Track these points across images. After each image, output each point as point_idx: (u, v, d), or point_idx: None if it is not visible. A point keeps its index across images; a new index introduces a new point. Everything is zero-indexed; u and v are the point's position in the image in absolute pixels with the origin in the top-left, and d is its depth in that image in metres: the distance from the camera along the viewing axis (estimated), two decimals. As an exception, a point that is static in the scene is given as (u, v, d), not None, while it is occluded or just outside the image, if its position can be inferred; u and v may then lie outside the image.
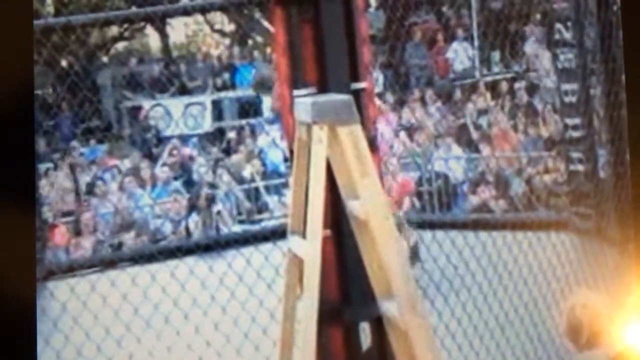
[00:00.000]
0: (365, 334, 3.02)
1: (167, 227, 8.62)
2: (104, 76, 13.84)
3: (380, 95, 10.64)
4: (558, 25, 6.20)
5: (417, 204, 8.73)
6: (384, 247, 2.73)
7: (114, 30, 15.25)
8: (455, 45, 12.27)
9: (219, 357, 3.89)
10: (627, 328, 2.82)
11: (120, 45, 16.81)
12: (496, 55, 12.09)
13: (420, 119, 10.21)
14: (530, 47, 11.13)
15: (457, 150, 9.54)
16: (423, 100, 11.15)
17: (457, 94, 11.35)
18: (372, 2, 13.13)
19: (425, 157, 9.25)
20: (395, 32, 9.28)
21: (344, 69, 3.03)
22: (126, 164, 10.80)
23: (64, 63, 13.36)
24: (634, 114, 2.31)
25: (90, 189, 10.04)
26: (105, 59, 15.69)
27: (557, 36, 6.24)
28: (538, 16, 10.72)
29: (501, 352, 4.18)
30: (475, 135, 9.79)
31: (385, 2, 10.28)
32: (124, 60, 14.75)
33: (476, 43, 12.18)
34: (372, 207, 2.71)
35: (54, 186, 9.76)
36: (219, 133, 12.63)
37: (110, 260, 6.11)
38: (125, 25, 14.64)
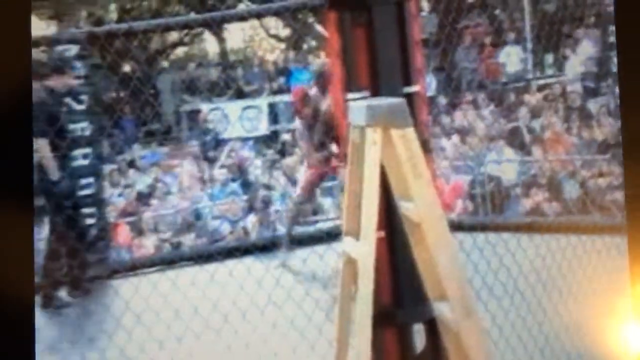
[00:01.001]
0: (420, 336, 3.06)
1: (225, 228, 8.78)
2: (164, 80, 14.13)
3: (433, 99, 10.65)
4: (612, 28, 6.15)
5: (470, 206, 8.73)
6: (437, 249, 2.77)
7: (173, 35, 15.53)
8: (507, 48, 12.21)
9: (276, 356, 3.96)
10: None
11: (180, 51, 17.10)
12: (549, 58, 11.99)
13: (472, 121, 10.19)
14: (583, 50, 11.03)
15: (509, 153, 9.51)
16: (475, 104, 11.13)
17: (510, 97, 11.30)
18: (425, 6, 13.13)
19: (477, 160, 9.24)
20: (448, 36, 9.28)
21: (396, 73, 3.07)
22: (185, 167, 11.01)
23: (126, 68, 13.68)
24: (628, 116, 2.30)
25: (152, 191, 10.27)
26: (165, 63, 16.00)
27: (611, 38, 6.19)
28: (592, 19, 10.61)
29: (556, 355, 4.17)
30: (527, 138, 9.74)
31: (438, 6, 10.29)
32: (183, 65, 15.03)
33: (529, 46, 12.09)
34: (425, 209, 2.75)
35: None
36: (275, 136, 12.77)
37: (170, 259, 6.27)
38: (185, 31, 14.91)
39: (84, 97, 6.17)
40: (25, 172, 2.17)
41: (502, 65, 12.16)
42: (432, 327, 2.98)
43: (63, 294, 5.48)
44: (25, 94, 2.18)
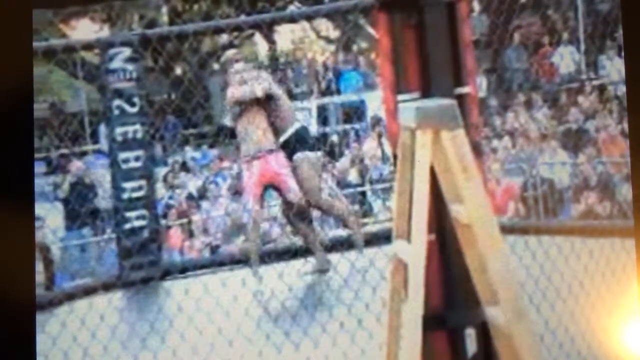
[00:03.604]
0: (471, 340, 3.03)
1: (275, 230, 8.82)
2: (215, 82, 14.27)
3: (484, 100, 10.58)
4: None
5: (522, 209, 8.64)
6: (488, 252, 2.74)
7: (224, 38, 15.66)
8: (561, 48, 12.05)
9: (327, 358, 3.95)
10: None
11: (230, 53, 17.22)
12: (603, 58, 11.80)
13: (524, 123, 10.08)
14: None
15: (562, 155, 9.38)
16: (527, 105, 11.02)
17: (563, 98, 11.15)
18: (476, 7, 13.04)
19: (529, 162, 9.13)
20: (499, 37, 9.19)
21: (447, 74, 3.05)
22: (236, 168, 11.10)
23: (178, 70, 13.86)
24: (634, 116, 2.25)
25: (203, 193, 10.37)
26: (216, 65, 16.15)
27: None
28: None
29: (610, 360, 4.10)
30: (581, 140, 9.60)
31: (489, 7, 10.21)
32: (234, 67, 15.13)
33: (582, 46, 11.92)
34: (475, 211, 2.73)
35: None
36: (324, 137, 12.81)
37: (221, 261, 6.32)
38: (235, 33, 15.03)
39: (136, 100, 6.25)
40: (26, 173, 2.16)
41: (556, 65, 12.01)
42: (484, 331, 2.96)
43: None
44: (26, 94, 2.18)
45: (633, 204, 2.64)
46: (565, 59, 11.85)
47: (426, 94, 3.01)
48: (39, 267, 7.17)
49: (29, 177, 2.19)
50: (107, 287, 5.86)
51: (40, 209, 9.40)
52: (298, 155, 5.38)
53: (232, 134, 5.93)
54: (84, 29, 14.87)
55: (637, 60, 2.24)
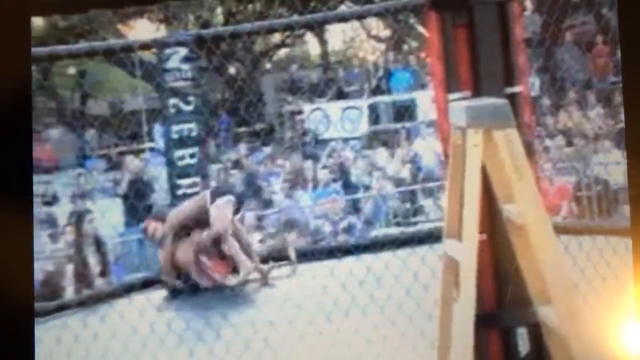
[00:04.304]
0: (524, 340, 3.03)
1: (327, 228, 8.87)
2: (267, 81, 14.40)
3: (536, 99, 10.45)
4: None
5: (576, 209, 8.52)
6: (541, 252, 2.73)
7: (276, 37, 15.77)
8: (617, 47, 11.85)
9: (379, 356, 3.98)
10: None
11: (282, 52, 17.36)
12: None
13: (577, 122, 9.94)
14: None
15: (616, 155, 9.22)
16: (581, 104, 10.86)
17: (617, 98, 10.96)
18: (528, 6, 12.88)
19: (583, 161, 9.00)
20: (552, 35, 9.07)
21: (498, 73, 3.04)
22: (287, 167, 11.18)
23: (231, 69, 13.99)
24: (631, 117, 2.21)
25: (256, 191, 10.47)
26: (268, 65, 16.27)
27: None
28: None
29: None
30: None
31: (542, 6, 10.09)
32: (285, 66, 15.28)
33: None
34: (528, 211, 2.73)
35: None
36: (375, 136, 12.82)
37: (272, 258, 6.38)
38: (287, 33, 15.12)
39: (191, 99, 6.37)
40: (26, 174, 2.20)
41: (611, 64, 11.81)
42: (537, 331, 2.95)
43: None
44: (26, 94, 2.22)
45: (630, 206, 2.61)
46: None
47: (477, 93, 3.01)
48: (95, 259, 7.34)
49: (28, 178, 2.23)
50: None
51: (99, 203, 9.63)
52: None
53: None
54: (142, 29, 15.10)
55: (634, 60, 2.22)
